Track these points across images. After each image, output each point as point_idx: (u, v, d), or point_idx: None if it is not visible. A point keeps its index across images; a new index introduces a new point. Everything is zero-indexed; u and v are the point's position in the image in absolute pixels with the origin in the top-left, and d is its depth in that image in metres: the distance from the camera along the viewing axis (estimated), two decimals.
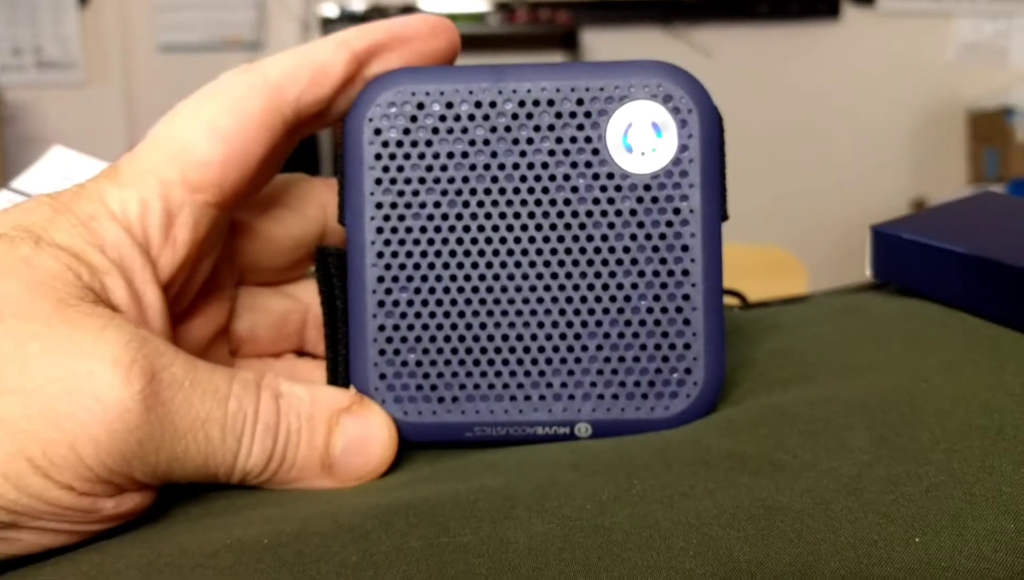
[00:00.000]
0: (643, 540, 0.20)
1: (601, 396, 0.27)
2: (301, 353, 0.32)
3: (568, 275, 0.26)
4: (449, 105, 0.26)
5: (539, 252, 0.27)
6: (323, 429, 0.25)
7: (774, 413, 0.26)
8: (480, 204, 0.27)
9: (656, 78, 0.27)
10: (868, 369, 0.29)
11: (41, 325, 0.21)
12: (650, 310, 0.27)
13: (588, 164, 0.26)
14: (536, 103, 0.26)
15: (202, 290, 0.28)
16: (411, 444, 0.27)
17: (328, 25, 3.15)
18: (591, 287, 0.27)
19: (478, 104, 0.26)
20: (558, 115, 0.26)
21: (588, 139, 0.26)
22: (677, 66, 0.27)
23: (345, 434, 0.25)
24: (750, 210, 2.91)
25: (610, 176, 0.26)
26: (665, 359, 0.27)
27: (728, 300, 0.40)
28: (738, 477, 0.23)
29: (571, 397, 0.27)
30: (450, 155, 0.26)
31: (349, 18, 3.16)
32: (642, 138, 0.26)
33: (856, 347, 0.31)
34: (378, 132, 0.27)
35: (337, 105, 0.27)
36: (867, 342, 0.31)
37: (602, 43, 3.27)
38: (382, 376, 0.27)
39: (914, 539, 0.20)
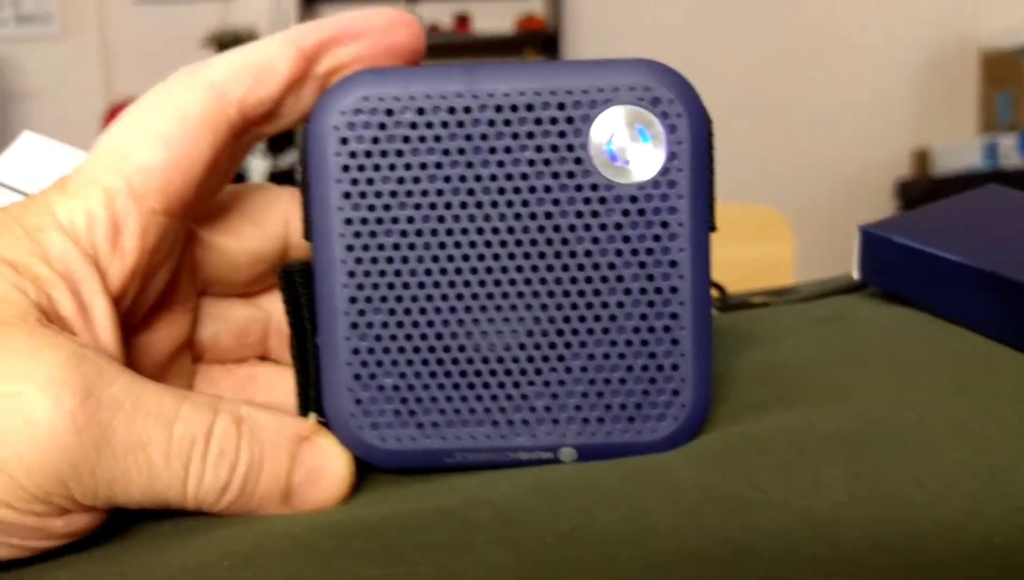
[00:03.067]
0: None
1: (586, 419, 0.26)
2: (264, 357, 0.32)
3: (551, 293, 0.26)
4: (421, 112, 0.25)
5: (520, 269, 0.26)
6: (286, 459, 0.25)
7: (747, 442, 0.25)
8: (457, 219, 0.25)
9: (643, 79, 0.25)
10: (849, 394, 0.27)
11: None
12: (637, 330, 0.26)
13: (571, 174, 0.25)
14: (514, 108, 0.25)
15: (161, 300, 0.28)
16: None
17: None
18: (575, 306, 0.26)
19: (452, 110, 0.25)
20: (537, 121, 0.25)
21: (570, 147, 0.25)
22: (665, 65, 0.25)
23: (304, 465, 0.25)
24: (740, 152, 2.78)
25: (594, 188, 0.25)
26: (652, 381, 0.26)
27: None
28: (705, 512, 0.22)
29: (555, 421, 0.26)
30: (423, 166, 0.25)
31: None
32: (627, 145, 0.25)
33: (836, 366, 0.30)
34: (345, 141, 0.25)
35: (287, 106, 0.27)
36: (850, 360, 0.30)
37: None
38: (358, 402, 0.26)
39: None
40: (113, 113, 2.88)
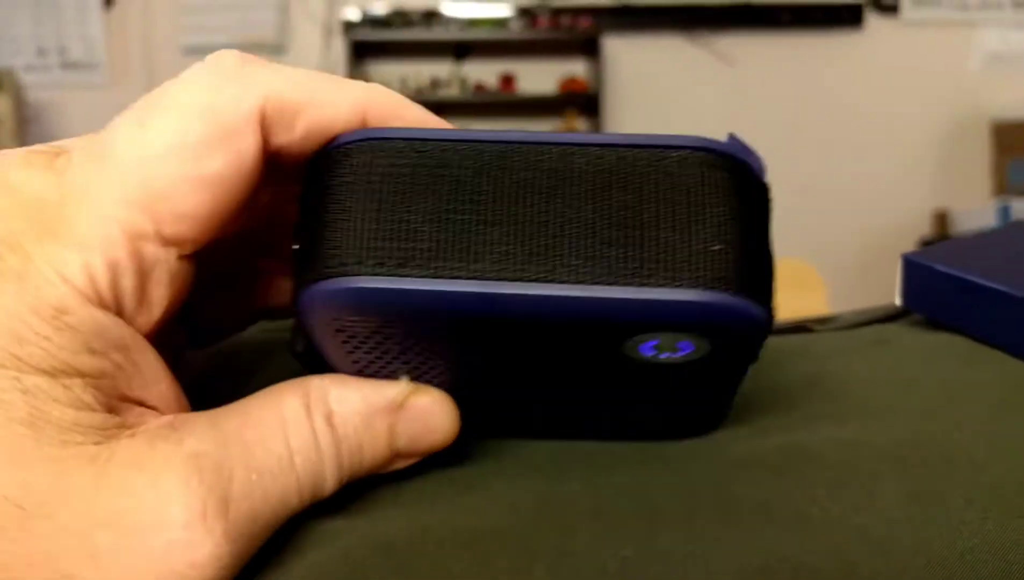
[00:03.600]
0: None
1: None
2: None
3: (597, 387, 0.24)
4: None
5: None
6: (384, 437, 0.23)
7: (802, 456, 0.25)
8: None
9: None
10: (898, 411, 0.28)
11: (96, 505, 0.19)
12: None
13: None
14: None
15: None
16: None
17: (350, 29, 3.15)
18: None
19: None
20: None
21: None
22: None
23: (405, 434, 0.23)
24: (775, 223, 2.89)
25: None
26: None
27: None
28: (764, 530, 0.22)
29: None
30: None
31: (371, 22, 3.17)
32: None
33: (886, 385, 0.30)
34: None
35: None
36: (897, 380, 0.30)
37: (624, 50, 3.27)
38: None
39: None
40: None
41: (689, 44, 3.27)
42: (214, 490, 0.20)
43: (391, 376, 0.23)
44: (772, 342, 0.35)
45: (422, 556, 0.21)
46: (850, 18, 3.26)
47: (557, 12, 3.21)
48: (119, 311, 0.20)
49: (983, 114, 3.29)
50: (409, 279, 0.19)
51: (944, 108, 3.29)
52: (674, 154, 0.20)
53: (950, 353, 0.32)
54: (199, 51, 3.13)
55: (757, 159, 0.21)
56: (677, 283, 0.19)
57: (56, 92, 3.10)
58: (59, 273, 0.19)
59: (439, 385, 0.23)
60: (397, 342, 0.21)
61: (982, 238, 0.38)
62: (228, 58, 0.21)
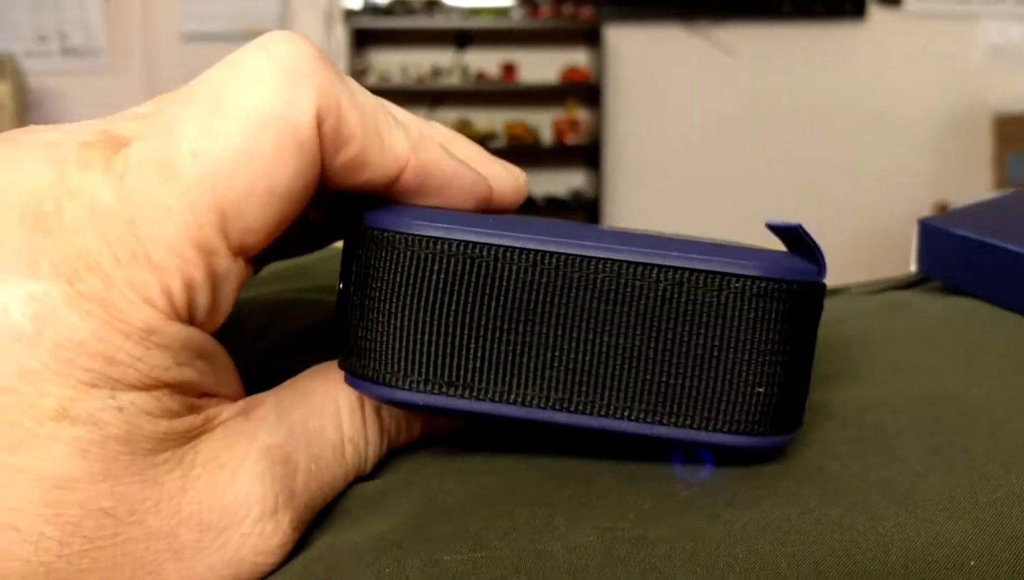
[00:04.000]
0: (687, 555, 0.20)
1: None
2: None
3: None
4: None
5: None
6: (420, 422, 0.24)
7: (821, 414, 0.25)
8: None
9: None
10: (916, 370, 0.28)
11: (183, 508, 0.20)
12: None
13: None
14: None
15: None
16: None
17: (351, 17, 3.15)
18: None
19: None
20: None
21: None
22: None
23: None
24: (770, 213, 2.90)
25: None
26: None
27: None
28: (784, 483, 0.22)
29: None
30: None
31: (372, 10, 3.16)
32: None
33: (902, 345, 0.30)
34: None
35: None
36: (914, 341, 0.30)
37: (625, 40, 3.26)
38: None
39: (969, 562, 0.19)
40: None
41: (690, 34, 3.26)
42: (284, 484, 0.21)
43: None
44: None
45: (442, 516, 0.21)
46: (853, 9, 3.25)
47: (559, 1, 3.21)
48: (195, 321, 0.20)
49: (984, 107, 3.28)
50: (454, 399, 0.20)
51: (946, 100, 3.29)
52: (735, 284, 0.20)
53: (967, 315, 0.32)
54: (199, 38, 3.13)
55: (819, 259, 0.21)
56: (716, 427, 0.20)
57: (57, 78, 3.09)
58: (142, 296, 0.19)
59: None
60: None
61: (994, 203, 0.38)
62: (290, 54, 0.20)
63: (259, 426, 0.21)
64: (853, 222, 3.27)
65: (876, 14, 3.26)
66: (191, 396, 0.20)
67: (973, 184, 3.29)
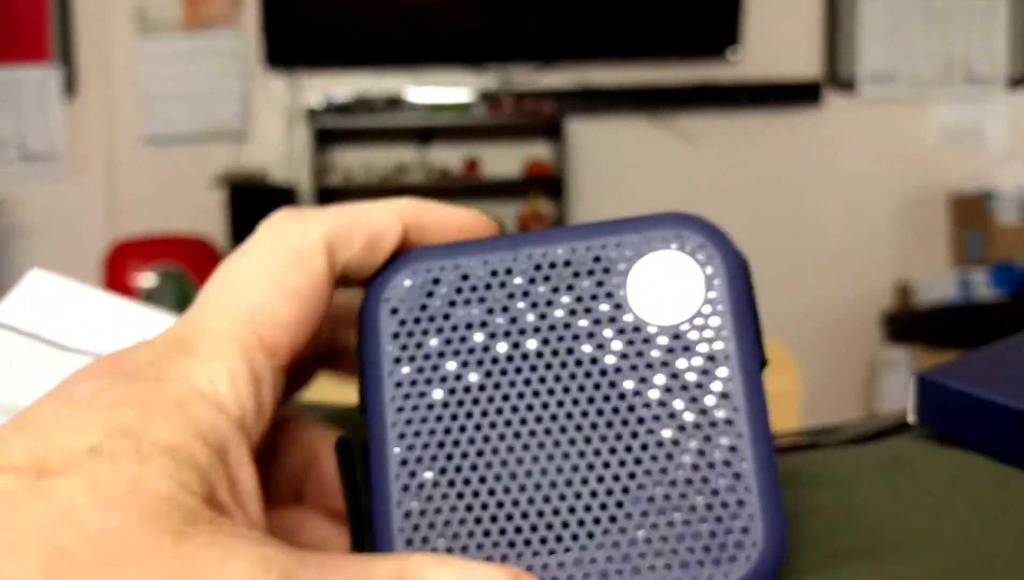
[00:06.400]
0: None
1: (652, 567, 0.24)
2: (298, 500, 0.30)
3: (603, 438, 0.25)
4: (465, 277, 0.26)
5: (569, 415, 0.25)
6: None
7: None
8: (503, 370, 0.25)
9: (674, 229, 0.26)
10: (934, 542, 0.27)
11: (165, 570, 0.20)
12: (695, 466, 0.24)
13: (611, 318, 0.25)
14: (552, 265, 0.26)
15: None
16: None
17: (313, 117, 3.16)
18: (629, 448, 0.24)
19: (493, 273, 0.26)
20: (575, 274, 0.26)
21: (609, 294, 0.25)
22: (696, 216, 0.26)
23: None
24: None
25: (636, 328, 0.25)
26: (718, 519, 0.24)
27: None
28: None
29: (619, 572, 0.24)
30: (468, 324, 0.26)
31: (334, 109, 3.18)
32: (665, 288, 0.25)
33: (914, 511, 0.29)
34: (395, 311, 0.26)
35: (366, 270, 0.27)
36: (926, 506, 0.29)
37: (587, 132, 3.30)
38: None
39: None
40: (115, 253, 2.81)
41: (650, 125, 3.31)
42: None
43: None
44: (783, 463, 0.35)
45: None
46: (809, 96, 3.32)
47: (520, 96, 3.24)
48: (241, 419, 0.23)
49: (940, 187, 3.35)
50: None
51: (902, 182, 3.35)
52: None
53: (972, 474, 0.32)
54: (160, 141, 3.13)
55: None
56: None
57: (15, 185, 3.06)
58: (186, 379, 0.22)
59: None
60: None
61: (994, 353, 0.38)
62: (285, 215, 0.26)
63: (267, 543, 0.22)
64: (815, 303, 3.29)
65: (832, 101, 3.34)
66: (206, 491, 0.22)
67: (932, 263, 3.34)
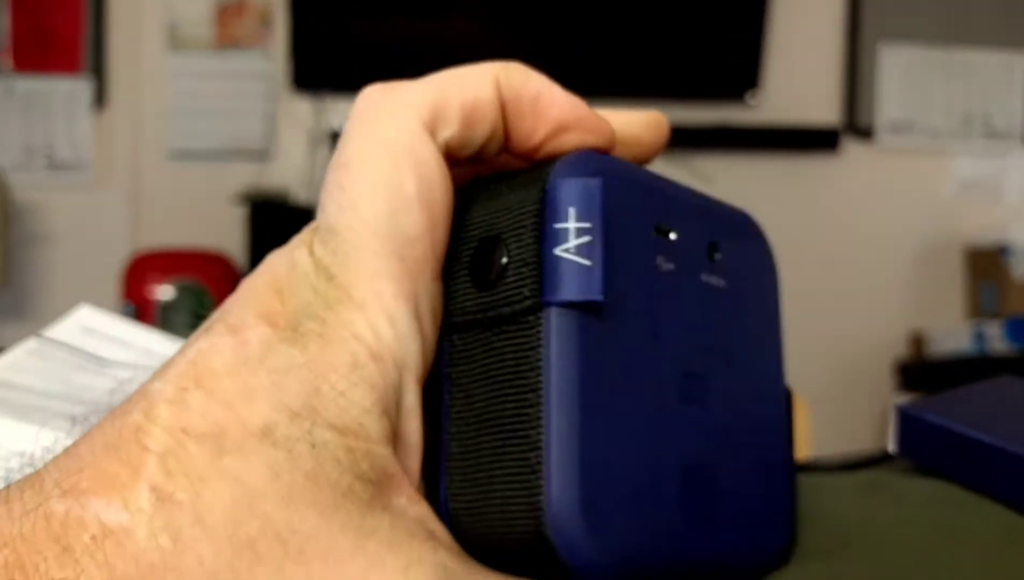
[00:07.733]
0: None
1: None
2: None
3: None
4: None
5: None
6: None
7: None
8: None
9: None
10: (898, 548, 0.28)
11: (349, 571, 0.19)
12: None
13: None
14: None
15: None
16: None
17: (336, 139, 3.20)
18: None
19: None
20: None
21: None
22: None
23: None
24: None
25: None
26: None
27: None
28: None
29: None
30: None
31: None
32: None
33: (884, 523, 0.30)
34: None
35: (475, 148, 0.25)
36: (896, 519, 0.31)
37: None
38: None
39: None
40: (136, 264, 2.85)
41: (668, 163, 3.33)
42: None
43: None
44: None
45: None
46: (827, 142, 3.33)
47: None
48: (403, 364, 0.22)
49: (956, 239, 3.34)
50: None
51: (919, 232, 3.35)
52: None
53: (944, 495, 0.33)
54: (185, 156, 3.18)
55: None
56: None
57: (41, 192, 3.12)
58: (351, 336, 0.21)
59: None
60: None
61: (974, 391, 0.40)
62: (372, 97, 0.24)
63: (442, 546, 0.21)
64: (828, 351, 3.28)
65: (850, 148, 3.34)
66: (379, 469, 0.21)
67: (946, 314, 3.32)
